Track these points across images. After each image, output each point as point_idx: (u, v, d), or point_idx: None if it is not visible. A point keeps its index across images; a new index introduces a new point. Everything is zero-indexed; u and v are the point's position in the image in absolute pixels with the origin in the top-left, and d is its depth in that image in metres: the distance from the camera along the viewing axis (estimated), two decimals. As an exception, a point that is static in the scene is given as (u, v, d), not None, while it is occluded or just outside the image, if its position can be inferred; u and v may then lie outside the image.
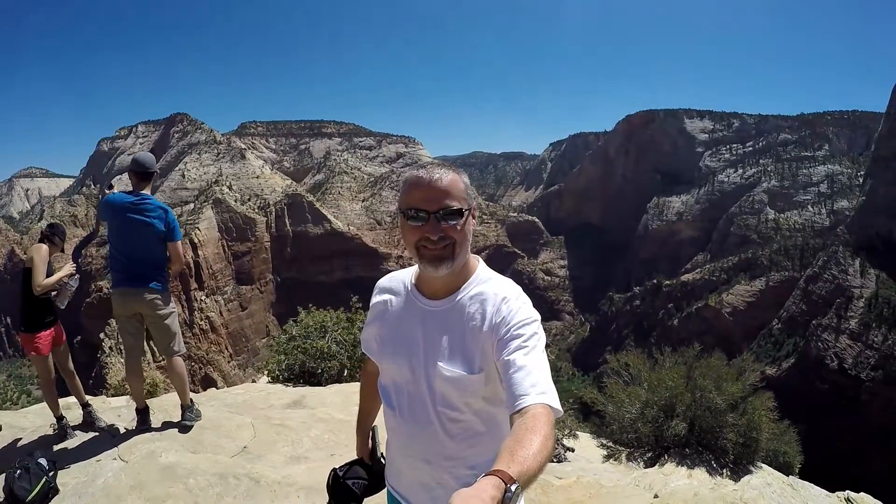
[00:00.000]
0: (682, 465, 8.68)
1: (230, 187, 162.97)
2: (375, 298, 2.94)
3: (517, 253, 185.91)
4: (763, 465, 9.28)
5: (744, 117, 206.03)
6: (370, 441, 3.32)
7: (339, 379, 10.84)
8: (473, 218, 2.58)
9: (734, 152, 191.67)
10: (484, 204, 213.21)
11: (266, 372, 11.76)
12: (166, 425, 6.75)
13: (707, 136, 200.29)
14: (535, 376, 2.21)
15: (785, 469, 10.21)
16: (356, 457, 3.38)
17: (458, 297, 2.60)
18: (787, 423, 11.24)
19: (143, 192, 6.36)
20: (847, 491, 8.56)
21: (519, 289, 2.62)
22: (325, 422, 7.84)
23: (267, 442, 6.92)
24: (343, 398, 9.07)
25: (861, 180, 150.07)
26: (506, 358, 2.29)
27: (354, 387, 9.58)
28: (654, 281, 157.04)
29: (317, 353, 10.88)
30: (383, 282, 2.99)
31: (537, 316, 2.49)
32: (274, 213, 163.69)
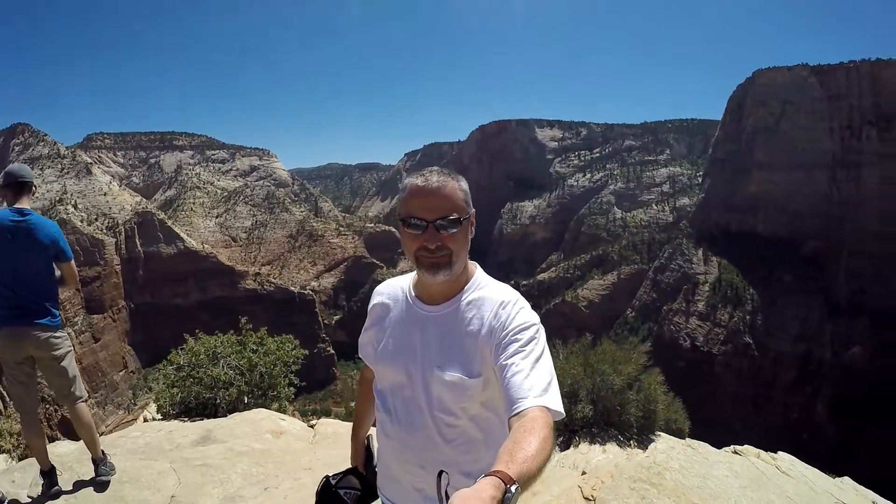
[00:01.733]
0: (595, 443, 9.20)
1: (76, 206, 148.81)
2: (373, 304, 2.98)
3: (376, 263, 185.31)
4: (661, 433, 9.93)
5: (591, 126, 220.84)
6: (365, 450, 3.36)
7: (237, 407, 10.18)
8: (473, 224, 2.61)
9: (582, 158, 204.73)
10: (340, 216, 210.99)
11: (156, 407, 11.01)
12: (78, 485, 5.86)
13: (557, 143, 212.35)
14: (532, 379, 2.23)
15: (679, 434, 10.91)
16: (349, 465, 3.38)
17: (457, 303, 2.62)
18: (673, 394, 11.87)
19: (22, 207, 5.40)
20: (732, 445, 9.67)
21: (517, 294, 2.66)
22: (247, 454, 7.50)
23: (194, 486, 6.44)
24: (252, 427, 8.66)
25: (700, 180, 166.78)
26: (504, 362, 2.31)
27: (260, 414, 9.42)
28: (512, 282, 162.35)
29: (212, 382, 10.19)
30: (381, 288, 3.04)
31: (536, 319, 2.50)
32: (123, 234, 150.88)
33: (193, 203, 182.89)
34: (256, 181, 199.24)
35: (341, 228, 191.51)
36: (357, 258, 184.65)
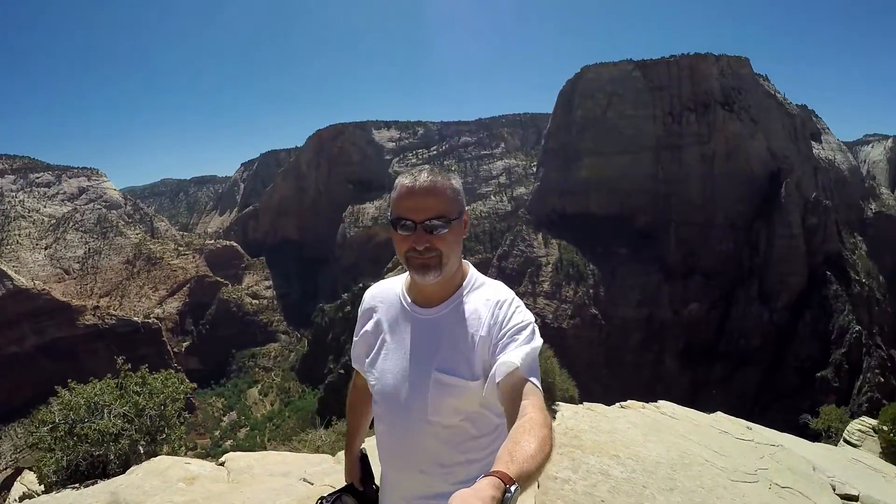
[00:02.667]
0: None
1: None
2: (364, 308, 2.93)
3: (220, 281, 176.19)
4: (560, 402, 10.37)
5: (428, 125, 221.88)
6: (360, 464, 3.17)
7: (131, 460, 9.06)
8: (465, 225, 2.58)
9: (420, 157, 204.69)
10: (179, 235, 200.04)
11: (38, 478, 9.38)
12: None
13: (395, 144, 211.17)
14: (525, 361, 2.27)
15: (572, 401, 11.38)
16: (345, 483, 3.19)
17: (451, 304, 2.60)
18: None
19: None
20: (618, 402, 10.62)
21: (512, 293, 2.65)
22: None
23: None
24: (161, 479, 7.85)
25: (535, 169, 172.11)
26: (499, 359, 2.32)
27: (163, 462, 8.56)
28: (360, 285, 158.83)
29: (99, 436, 8.86)
30: (372, 291, 2.96)
31: (532, 319, 2.51)
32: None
33: (19, 235, 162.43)
34: (86, 204, 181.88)
35: (181, 248, 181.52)
36: (200, 278, 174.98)
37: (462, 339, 2.51)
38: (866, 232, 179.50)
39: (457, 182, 2.56)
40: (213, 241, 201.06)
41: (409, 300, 2.68)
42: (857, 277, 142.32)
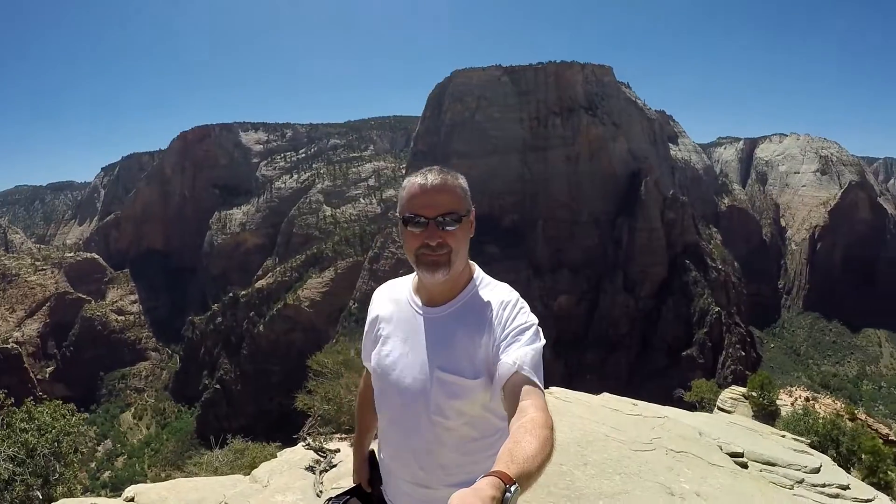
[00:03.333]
0: None
1: None
2: (372, 306, 2.98)
3: (83, 298, 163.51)
4: None
5: (296, 127, 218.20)
6: (369, 465, 3.16)
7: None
8: (472, 223, 2.65)
9: (289, 160, 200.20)
10: (35, 248, 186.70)
11: None
12: None
13: (262, 146, 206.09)
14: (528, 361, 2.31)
15: None
16: (353, 484, 3.21)
17: (457, 304, 2.65)
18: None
19: None
20: None
21: (517, 294, 2.69)
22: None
23: None
24: None
25: (404, 172, 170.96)
26: (503, 360, 2.36)
27: None
28: (231, 294, 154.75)
29: None
30: (380, 291, 3.04)
31: (535, 320, 2.54)
32: None
33: None
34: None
35: (38, 263, 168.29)
36: (61, 295, 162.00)
37: (466, 338, 2.53)
38: (720, 223, 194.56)
39: (464, 182, 2.59)
40: (72, 254, 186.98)
41: (417, 300, 2.73)
42: (713, 264, 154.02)
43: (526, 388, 2.26)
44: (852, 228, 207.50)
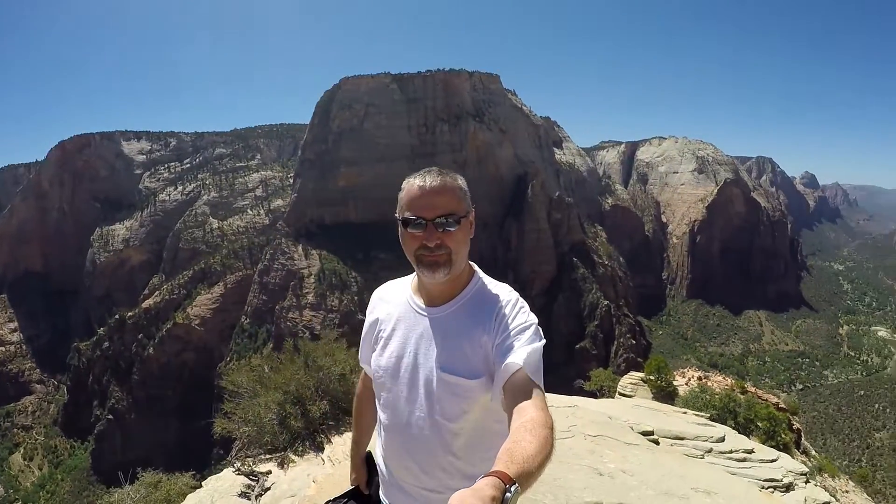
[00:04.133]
0: (340, 434, 9.54)
1: None
2: (371, 308, 2.98)
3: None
4: None
5: (181, 136, 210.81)
6: (366, 468, 3.21)
7: None
8: (472, 224, 2.64)
9: (173, 171, 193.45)
10: None
11: None
12: None
13: (146, 157, 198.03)
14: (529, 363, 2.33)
15: None
16: (350, 486, 3.24)
17: (457, 304, 2.65)
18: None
19: None
20: None
21: (516, 294, 2.70)
22: None
23: None
24: None
25: (292, 181, 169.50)
26: (505, 361, 2.38)
27: None
28: (117, 316, 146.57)
29: None
30: (380, 291, 3.04)
31: (535, 320, 2.55)
32: None
33: None
34: None
35: None
36: None
37: (467, 338, 2.53)
38: (605, 222, 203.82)
39: (463, 182, 2.60)
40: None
41: (417, 300, 2.73)
42: (600, 260, 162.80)
43: (526, 387, 2.29)
44: (728, 221, 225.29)
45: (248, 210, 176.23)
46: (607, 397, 19.32)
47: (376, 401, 2.88)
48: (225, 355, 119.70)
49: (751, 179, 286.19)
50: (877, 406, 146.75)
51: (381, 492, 2.95)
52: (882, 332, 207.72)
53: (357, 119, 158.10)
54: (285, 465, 8.68)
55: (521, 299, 2.66)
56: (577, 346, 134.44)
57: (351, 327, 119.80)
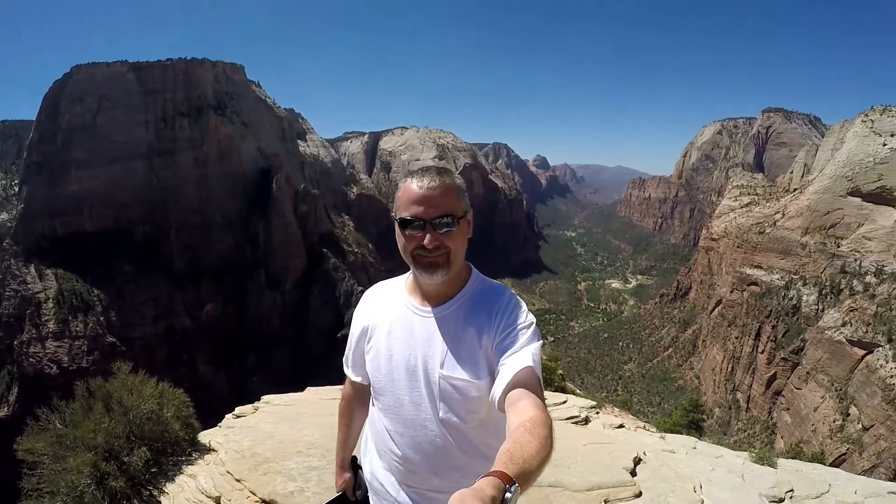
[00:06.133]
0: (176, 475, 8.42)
1: None
2: (360, 313, 2.96)
3: None
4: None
5: None
6: (352, 474, 3.26)
7: None
8: (470, 224, 2.67)
9: None
10: None
11: None
12: None
13: None
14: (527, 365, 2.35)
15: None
16: (336, 493, 3.29)
17: (455, 305, 2.67)
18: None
19: None
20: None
21: (513, 293, 2.76)
22: None
23: None
24: None
25: (17, 189, 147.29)
26: (504, 360, 2.42)
27: None
28: None
29: None
30: (369, 294, 3.01)
31: (533, 319, 2.61)
32: None
33: None
34: None
35: None
36: None
37: (468, 338, 2.55)
38: (352, 211, 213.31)
39: (461, 181, 2.65)
40: None
41: (413, 301, 2.73)
42: (350, 249, 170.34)
43: (526, 387, 2.27)
44: (471, 202, 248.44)
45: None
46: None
47: (375, 406, 2.87)
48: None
49: (488, 163, 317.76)
50: (621, 344, 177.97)
51: (371, 499, 2.95)
52: (615, 284, 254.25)
53: (90, 114, 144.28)
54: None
55: (519, 299, 2.71)
56: (339, 334, 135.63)
57: (102, 352, 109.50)
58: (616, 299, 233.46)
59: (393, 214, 2.62)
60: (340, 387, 10.19)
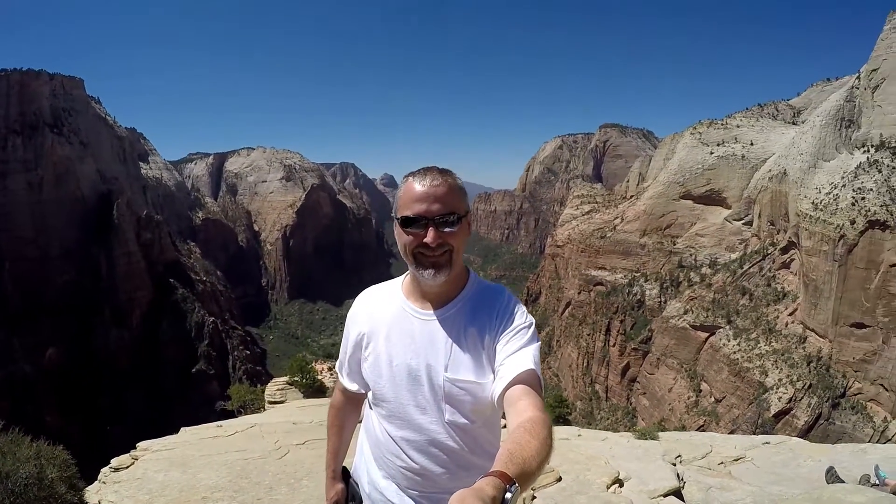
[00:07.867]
0: None
1: None
2: (355, 319, 2.93)
3: None
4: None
5: None
6: (343, 484, 3.21)
7: None
8: (469, 224, 2.67)
9: None
10: None
11: None
12: None
13: None
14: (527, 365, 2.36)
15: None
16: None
17: (455, 306, 2.66)
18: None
19: None
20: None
21: (511, 294, 2.76)
22: None
23: None
24: None
25: None
26: (504, 361, 2.43)
27: None
28: None
29: None
30: (362, 298, 2.97)
31: (532, 320, 2.60)
32: None
33: None
34: None
35: None
36: None
37: (469, 340, 2.54)
38: (198, 237, 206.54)
39: (461, 182, 2.60)
40: None
41: (412, 304, 2.70)
42: (198, 277, 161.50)
43: (525, 387, 2.27)
44: (318, 223, 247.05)
45: None
46: (254, 412, 18.06)
47: (375, 414, 2.83)
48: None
49: (336, 183, 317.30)
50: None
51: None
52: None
53: None
54: None
55: (516, 298, 2.71)
56: (193, 369, 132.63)
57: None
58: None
59: (393, 214, 2.65)
60: (216, 424, 11.81)
